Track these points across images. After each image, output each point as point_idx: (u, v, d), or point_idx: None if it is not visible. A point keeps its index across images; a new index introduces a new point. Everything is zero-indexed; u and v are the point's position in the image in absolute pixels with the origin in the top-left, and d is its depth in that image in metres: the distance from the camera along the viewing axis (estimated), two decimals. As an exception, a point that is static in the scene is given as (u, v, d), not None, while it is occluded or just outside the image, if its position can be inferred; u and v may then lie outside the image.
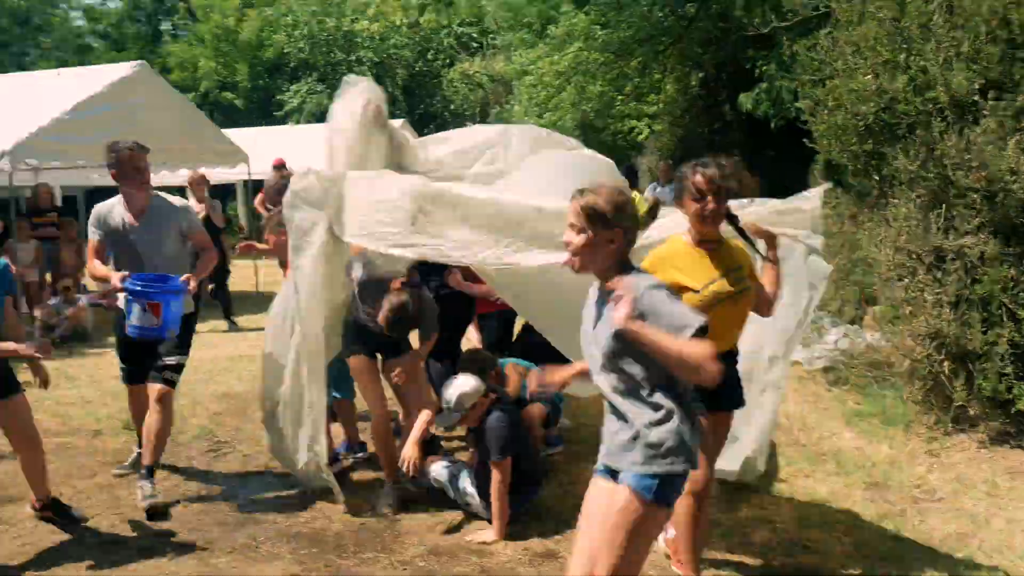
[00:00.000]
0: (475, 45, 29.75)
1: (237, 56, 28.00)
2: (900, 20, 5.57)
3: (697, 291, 3.23)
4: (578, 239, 2.56)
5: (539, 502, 4.42)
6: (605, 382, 2.64)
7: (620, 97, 16.63)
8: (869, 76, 5.56)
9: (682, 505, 3.24)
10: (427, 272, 5.01)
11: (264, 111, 27.17)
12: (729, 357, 3.37)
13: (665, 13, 13.44)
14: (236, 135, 13.79)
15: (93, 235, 4.68)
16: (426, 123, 27.60)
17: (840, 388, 6.48)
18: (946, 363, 5.33)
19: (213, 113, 27.37)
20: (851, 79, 5.73)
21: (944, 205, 5.31)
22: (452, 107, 28.58)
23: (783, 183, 6.57)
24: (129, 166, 4.52)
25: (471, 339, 5.83)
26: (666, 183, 11.21)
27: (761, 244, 3.50)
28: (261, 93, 28.41)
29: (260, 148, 13.77)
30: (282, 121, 25.25)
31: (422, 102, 28.21)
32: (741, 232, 3.40)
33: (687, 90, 15.73)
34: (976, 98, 5.23)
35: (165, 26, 33.23)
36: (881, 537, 4.13)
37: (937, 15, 5.44)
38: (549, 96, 16.14)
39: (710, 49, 13.71)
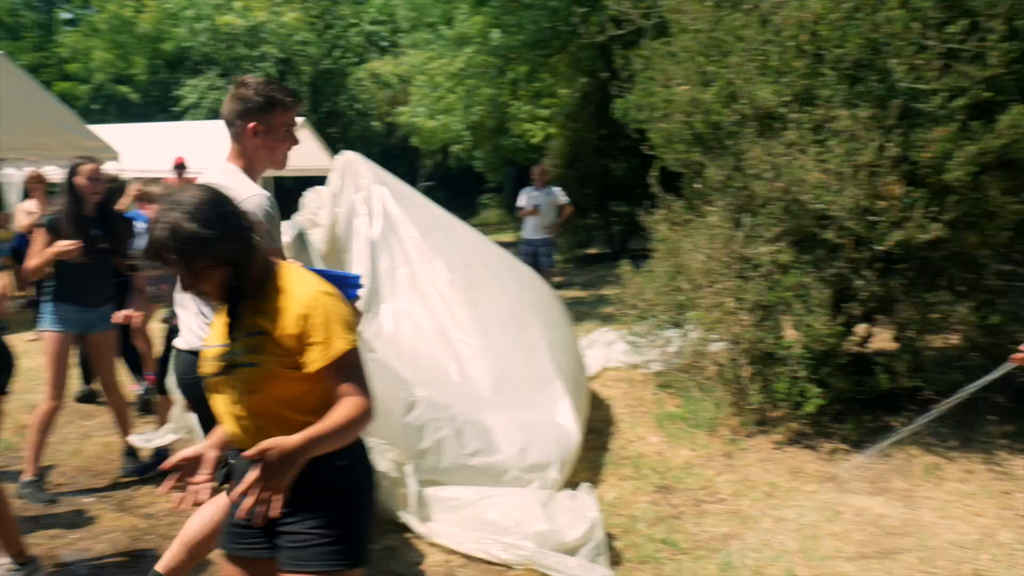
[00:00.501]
0: (384, 44, 29.52)
1: (135, 48, 27.20)
2: (715, 32, 5.70)
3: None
4: None
5: None
6: None
7: (513, 101, 16.69)
8: (684, 87, 5.67)
9: None
10: None
11: (162, 106, 26.50)
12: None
13: (552, 20, 13.53)
14: (125, 131, 13.36)
15: None
16: (332, 121, 27.29)
17: (665, 392, 6.58)
18: (747, 367, 5.47)
19: (107, 107, 26.62)
20: (669, 89, 5.84)
21: (748, 214, 5.45)
22: (358, 106, 28.31)
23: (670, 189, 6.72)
24: None
25: None
26: (542, 187, 11.24)
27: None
28: (160, 87, 27.67)
29: (151, 144, 13.40)
30: (179, 117, 24.64)
31: (328, 100, 27.87)
32: None
33: (578, 95, 15.88)
34: (783, 110, 5.38)
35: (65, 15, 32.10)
36: (649, 540, 4.19)
37: (750, 28, 5.58)
38: (439, 97, 16.09)
39: (596, 55, 13.87)
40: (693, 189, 6.34)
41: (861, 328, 6.06)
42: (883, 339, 6.22)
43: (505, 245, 11.86)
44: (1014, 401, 5.87)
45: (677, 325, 6.40)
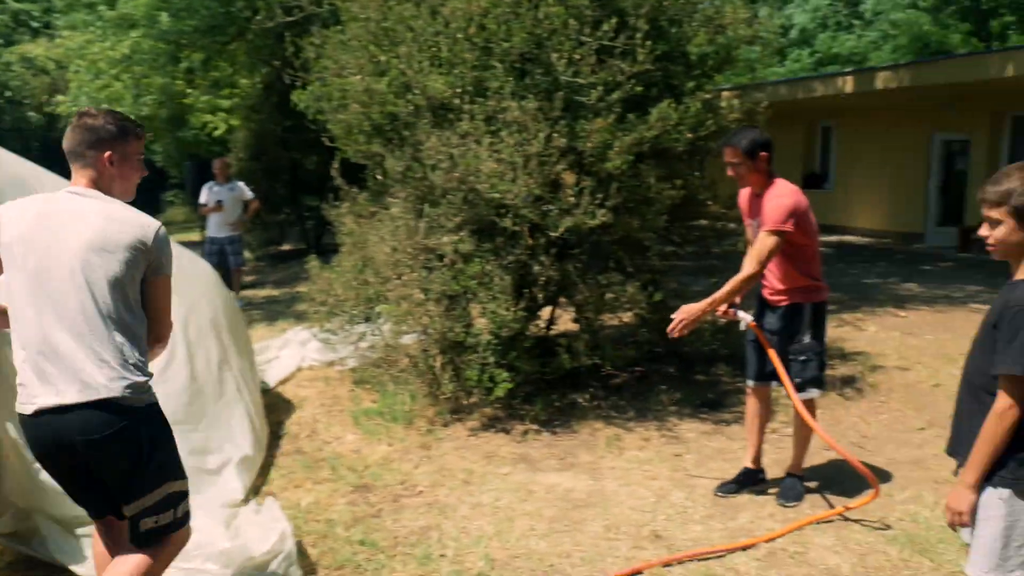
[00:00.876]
0: (36, 24, 26.48)
1: None
2: (385, 21, 5.65)
3: None
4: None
5: None
6: None
7: (190, 91, 15.65)
8: (358, 76, 5.57)
9: None
10: None
11: None
12: None
13: (226, 5, 12.82)
14: None
15: None
16: (-24, 111, 24.07)
17: (362, 388, 6.48)
18: (438, 357, 5.52)
19: None
20: (343, 79, 5.71)
21: (429, 204, 5.48)
22: (8, 93, 25.19)
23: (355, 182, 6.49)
24: None
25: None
26: (224, 181, 10.62)
27: None
28: None
29: None
30: None
31: (-31, 87, 24.57)
32: None
33: (260, 85, 15.22)
34: (456, 101, 5.45)
35: None
36: (347, 543, 4.07)
37: (420, 19, 5.59)
38: (104, 85, 14.68)
39: (275, 43, 13.36)
40: (376, 181, 6.28)
41: (545, 312, 6.36)
42: (565, 321, 6.57)
43: (192, 245, 11.11)
44: (681, 369, 6.47)
45: (369, 319, 6.33)
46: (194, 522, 3.05)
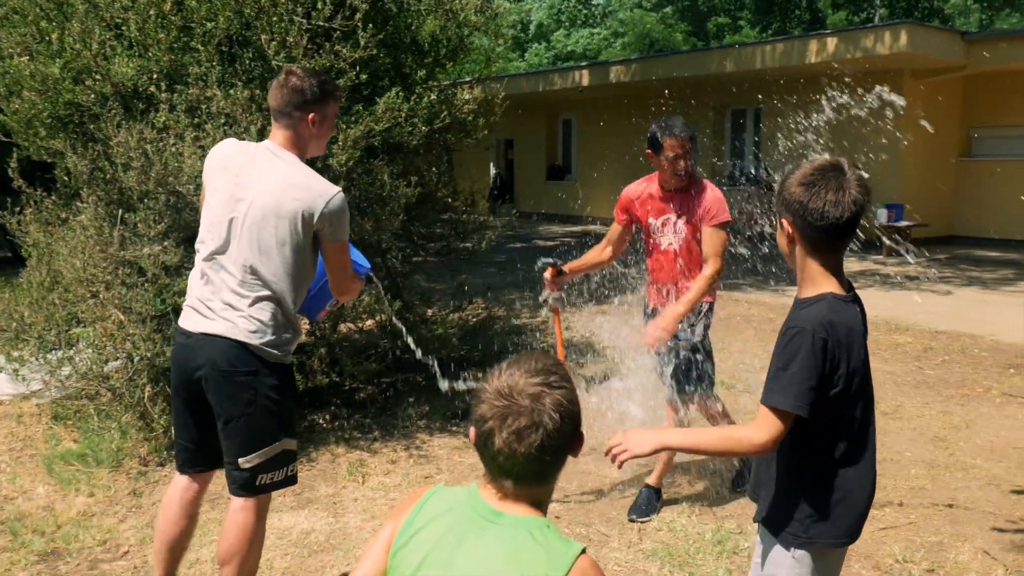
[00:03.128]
0: None
1: None
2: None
3: None
4: None
5: None
6: None
7: None
8: (24, 58, 4.65)
9: None
10: None
11: None
12: None
13: None
14: None
15: None
16: None
17: (62, 425, 5.52)
18: (147, 386, 4.74)
19: None
20: (10, 61, 4.76)
21: (126, 210, 4.69)
22: None
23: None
24: None
25: None
26: None
27: None
28: None
29: None
30: None
31: None
32: None
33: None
34: (152, 89, 4.69)
35: None
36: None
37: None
38: None
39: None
40: (64, 183, 5.35)
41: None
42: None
43: None
44: (430, 379, 6.07)
45: (68, 345, 5.39)
46: None
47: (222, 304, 2.86)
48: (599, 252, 4.38)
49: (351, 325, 5.67)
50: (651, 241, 4.21)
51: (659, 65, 17.08)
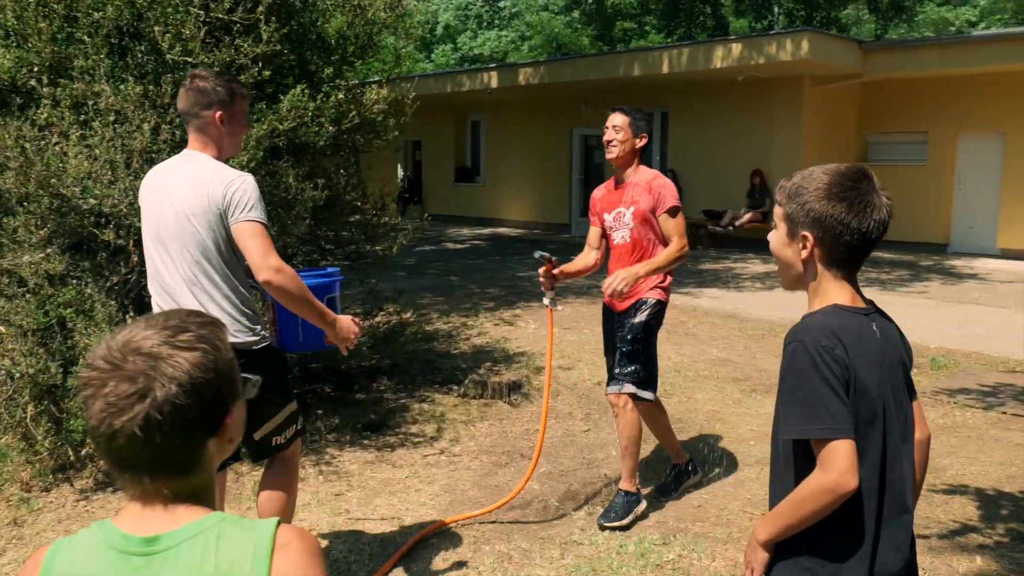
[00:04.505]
0: None
1: None
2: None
3: None
4: None
5: None
6: None
7: None
8: None
9: None
10: None
11: None
12: None
13: None
14: None
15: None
16: None
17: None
18: (29, 406, 4.37)
19: None
20: None
21: (3, 214, 4.32)
22: None
23: None
24: None
25: None
26: None
27: None
28: None
29: None
30: None
31: None
32: None
33: None
34: (33, 83, 4.34)
35: None
36: None
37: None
38: None
39: None
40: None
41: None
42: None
43: None
44: (339, 388, 5.83)
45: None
46: None
47: None
48: (585, 257, 4.26)
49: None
50: (609, 238, 4.14)
51: (568, 68, 17.12)
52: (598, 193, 4.23)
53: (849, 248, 1.74)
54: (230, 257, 2.94)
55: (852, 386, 1.67)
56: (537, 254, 4.10)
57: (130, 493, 1.16)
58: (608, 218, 4.09)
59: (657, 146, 17.61)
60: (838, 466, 1.62)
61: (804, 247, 1.76)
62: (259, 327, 3.05)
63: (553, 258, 4.07)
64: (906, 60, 14.14)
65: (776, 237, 1.84)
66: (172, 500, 1.14)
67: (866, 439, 1.69)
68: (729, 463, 4.78)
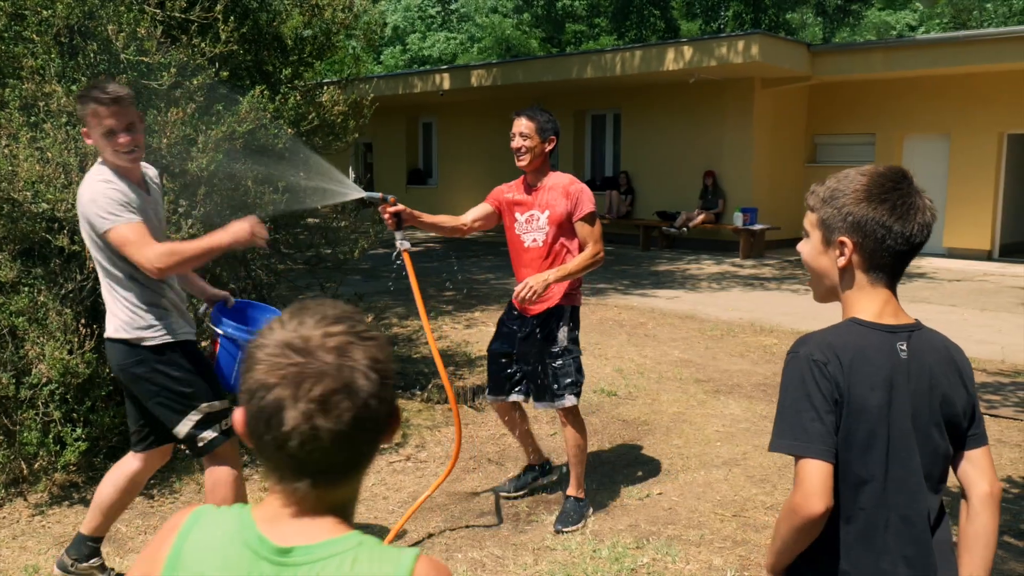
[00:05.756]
0: None
1: None
2: None
3: None
4: None
5: None
6: None
7: None
8: None
9: None
10: None
11: None
12: None
13: None
14: None
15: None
16: None
17: None
18: (-21, 419, 4.21)
19: None
20: None
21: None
22: None
23: None
24: None
25: None
26: None
27: None
28: None
29: None
30: None
31: None
32: None
33: None
34: (-20, 84, 4.17)
35: None
36: None
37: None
38: None
39: None
40: None
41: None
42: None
43: None
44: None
45: None
46: None
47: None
48: (457, 217, 4.19)
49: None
50: (516, 239, 4.08)
51: (520, 70, 17.13)
52: (507, 189, 4.16)
53: (893, 254, 1.63)
54: (116, 254, 3.05)
55: (845, 405, 1.59)
56: (367, 195, 3.86)
57: (280, 500, 1.08)
58: (520, 218, 4.06)
59: (610, 148, 17.70)
60: (803, 487, 1.56)
61: (842, 254, 1.66)
62: (161, 322, 3.16)
63: (390, 196, 3.82)
64: (853, 63, 14.42)
65: (809, 246, 1.73)
66: (321, 510, 1.07)
67: (863, 464, 1.61)
68: (697, 465, 4.79)
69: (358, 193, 3.96)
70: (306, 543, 1.04)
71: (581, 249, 3.96)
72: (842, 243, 1.64)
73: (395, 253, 3.87)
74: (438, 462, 4.84)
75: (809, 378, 1.58)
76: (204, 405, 3.21)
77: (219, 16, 4.34)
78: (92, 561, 3.46)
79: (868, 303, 1.66)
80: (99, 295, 4.32)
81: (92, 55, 4.34)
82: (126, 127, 3.00)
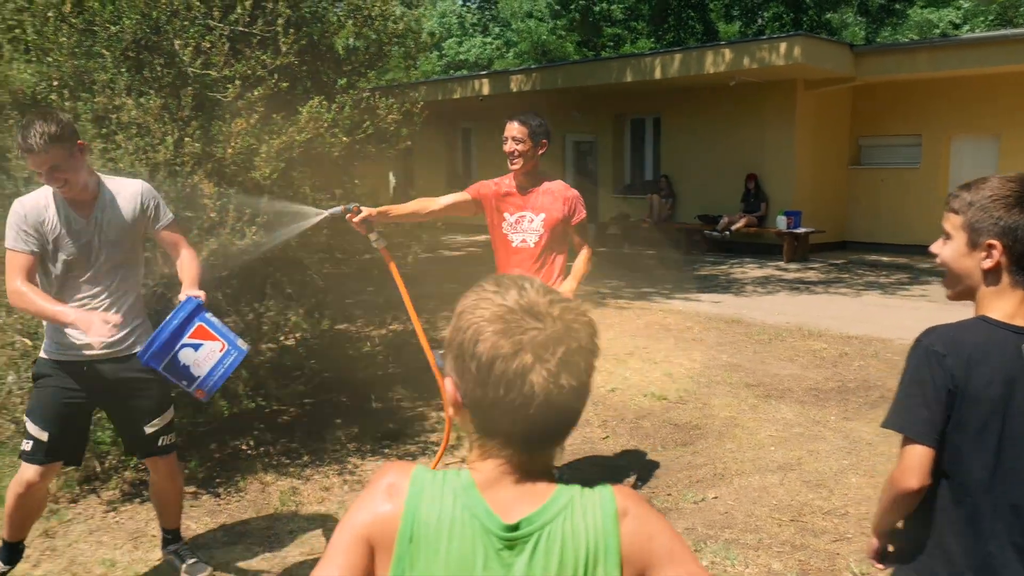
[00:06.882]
0: None
1: None
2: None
3: None
4: None
5: None
6: None
7: None
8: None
9: None
10: None
11: None
12: None
13: None
14: None
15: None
16: None
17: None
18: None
19: None
20: None
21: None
22: None
23: None
24: None
25: None
26: None
27: None
28: None
29: None
30: None
31: None
32: None
33: None
34: (54, 97, 4.33)
35: None
36: None
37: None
38: None
39: None
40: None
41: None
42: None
43: None
44: (355, 398, 5.82)
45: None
46: None
47: None
48: (430, 200, 4.14)
49: (272, 345, 5.38)
50: (503, 237, 4.13)
51: (559, 74, 17.17)
52: (494, 184, 4.22)
53: None
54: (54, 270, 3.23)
55: (960, 395, 1.70)
56: (329, 213, 3.79)
57: (500, 466, 1.13)
58: (509, 218, 4.12)
59: (650, 151, 17.68)
60: (903, 464, 1.73)
61: (989, 256, 1.75)
62: (52, 343, 3.31)
63: (353, 205, 3.77)
64: (898, 63, 14.26)
65: (952, 248, 1.81)
66: (536, 474, 1.13)
67: (975, 452, 1.71)
68: (752, 469, 4.80)
69: (320, 215, 3.92)
70: (529, 512, 1.10)
71: (569, 252, 4.10)
72: (990, 246, 1.74)
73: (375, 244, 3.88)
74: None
75: (924, 367, 1.72)
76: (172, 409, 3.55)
77: (280, 29, 4.45)
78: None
79: (1004, 303, 1.75)
80: (159, 296, 4.47)
81: (159, 68, 4.48)
82: (48, 171, 3.00)
